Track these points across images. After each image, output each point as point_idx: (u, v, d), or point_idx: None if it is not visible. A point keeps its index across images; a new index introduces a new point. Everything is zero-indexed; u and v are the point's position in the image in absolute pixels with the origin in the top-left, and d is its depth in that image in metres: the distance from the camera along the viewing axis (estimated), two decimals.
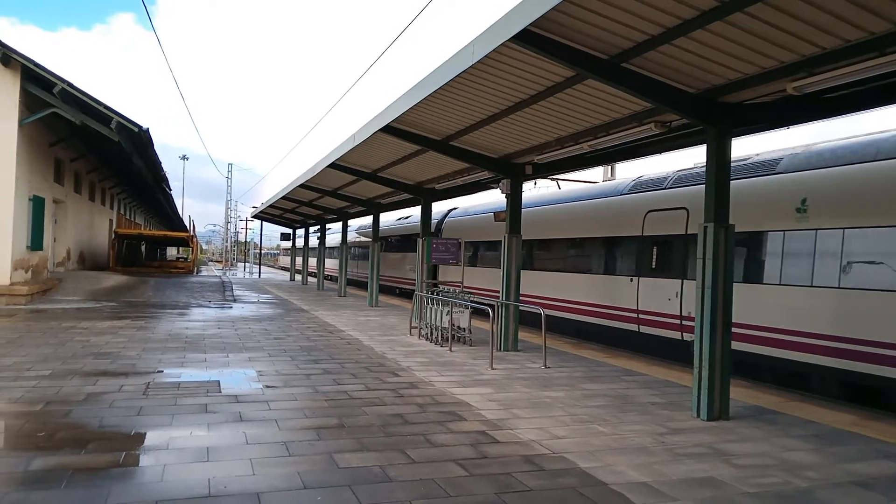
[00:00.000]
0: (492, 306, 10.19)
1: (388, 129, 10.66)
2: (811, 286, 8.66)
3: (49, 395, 6.65)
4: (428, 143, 11.37)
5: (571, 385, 8.33)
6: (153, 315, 14.97)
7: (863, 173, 8.50)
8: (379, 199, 19.91)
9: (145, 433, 5.53)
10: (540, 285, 14.59)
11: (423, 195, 15.90)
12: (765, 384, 9.12)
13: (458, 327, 11.80)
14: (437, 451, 5.31)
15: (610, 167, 18.75)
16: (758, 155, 10.76)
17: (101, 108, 15.37)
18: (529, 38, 6.17)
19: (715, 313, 6.72)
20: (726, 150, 6.91)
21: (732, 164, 8.89)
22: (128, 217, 40.77)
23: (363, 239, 32.14)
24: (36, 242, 17.51)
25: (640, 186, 13.12)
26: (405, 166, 14.20)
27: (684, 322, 10.72)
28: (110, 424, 5.73)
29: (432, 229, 23.24)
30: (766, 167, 10.16)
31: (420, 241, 15.33)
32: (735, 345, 7.47)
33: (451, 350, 10.92)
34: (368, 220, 28.37)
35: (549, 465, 5.07)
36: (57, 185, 20.40)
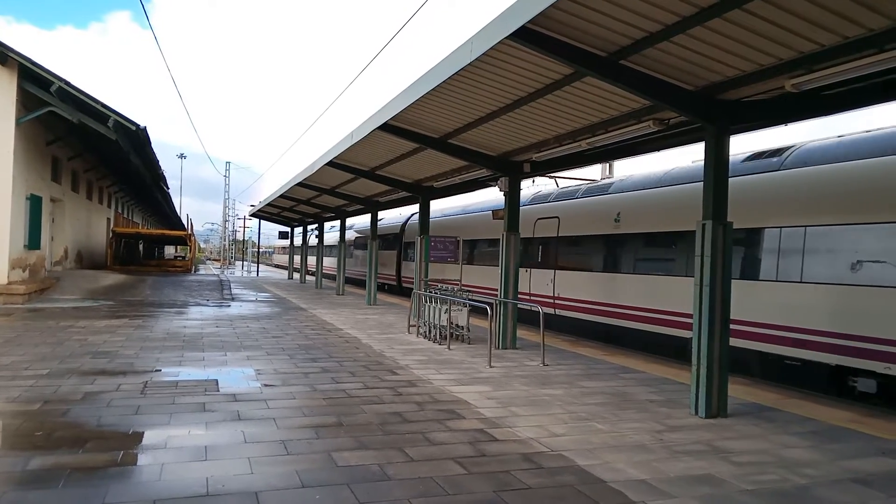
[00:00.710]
0: (490, 304, 10.20)
1: (386, 127, 10.63)
2: (619, 273, 12.79)
3: (47, 395, 6.63)
4: (426, 141, 11.35)
5: (570, 383, 8.33)
6: (151, 314, 14.95)
7: (648, 196, 12.68)
8: (377, 197, 19.90)
9: (143, 432, 5.52)
10: (466, 275, 18.06)
11: (422, 193, 15.88)
12: (763, 381, 9.14)
13: (457, 325, 11.79)
14: (436, 450, 5.31)
15: (608, 165, 18.72)
16: (601, 179, 15.51)
17: (98, 107, 15.34)
18: (528, 35, 6.15)
19: (713, 311, 6.71)
20: (725, 147, 6.90)
21: (594, 185, 13.53)
22: (125, 216, 40.71)
23: (353, 237, 32.50)
24: (33, 241, 17.48)
25: (535, 200, 16.91)
26: (403, 164, 14.18)
27: (556, 301, 14.61)
28: (108, 423, 5.72)
29: (398, 230, 26.58)
30: (603, 189, 14.33)
31: (418, 238, 15.36)
32: (573, 313, 13.01)
33: (449, 348, 10.91)
34: (359, 219, 29.39)
35: (548, 462, 5.06)
36: (54, 184, 20.35)
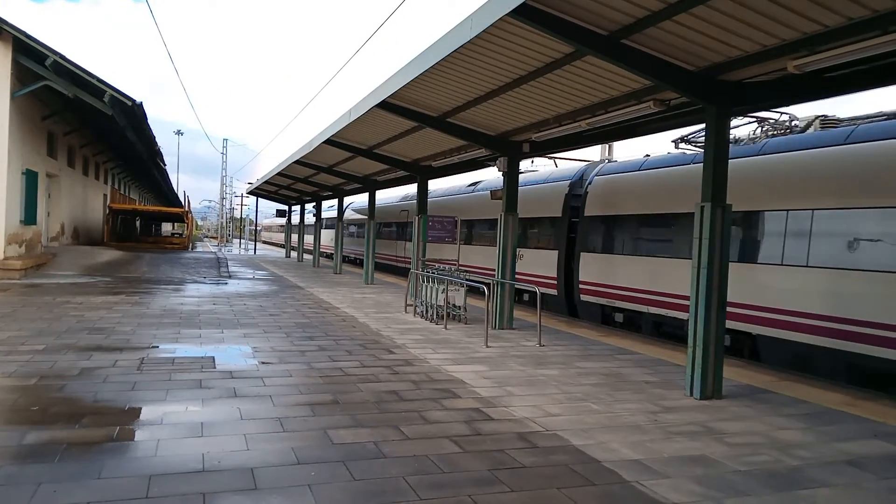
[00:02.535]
0: (487, 284, 10.21)
1: (384, 105, 10.54)
2: (467, 244, 19.58)
3: (43, 370, 6.64)
4: (424, 120, 11.26)
5: (566, 363, 8.36)
6: (148, 291, 14.94)
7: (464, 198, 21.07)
8: (375, 176, 19.80)
9: (140, 408, 5.53)
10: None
11: (420, 172, 15.80)
12: (758, 364, 9.19)
13: (454, 305, 11.81)
14: (432, 428, 5.33)
15: (608, 146, 18.65)
16: (445, 189, 24.17)
17: (93, 81, 15.18)
18: (528, 12, 6.07)
19: (710, 293, 6.71)
20: (726, 128, 6.86)
21: (455, 191, 22.78)
22: (122, 192, 40.52)
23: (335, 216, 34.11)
24: (29, 217, 17.41)
25: (403, 199, 26.71)
26: (401, 143, 14.09)
27: (398, 257, 24.85)
28: (104, 399, 5.73)
29: (337, 216, 31.72)
30: (450, 193, 22.86)
31: (416, 218, 15.32)
32: (399, 263, 23.42)
33: (446, 328, 10.94)
34: (354, 198, 32.77)
35: (543, 442, 5.09)
36: (50, 159, 20.21)
